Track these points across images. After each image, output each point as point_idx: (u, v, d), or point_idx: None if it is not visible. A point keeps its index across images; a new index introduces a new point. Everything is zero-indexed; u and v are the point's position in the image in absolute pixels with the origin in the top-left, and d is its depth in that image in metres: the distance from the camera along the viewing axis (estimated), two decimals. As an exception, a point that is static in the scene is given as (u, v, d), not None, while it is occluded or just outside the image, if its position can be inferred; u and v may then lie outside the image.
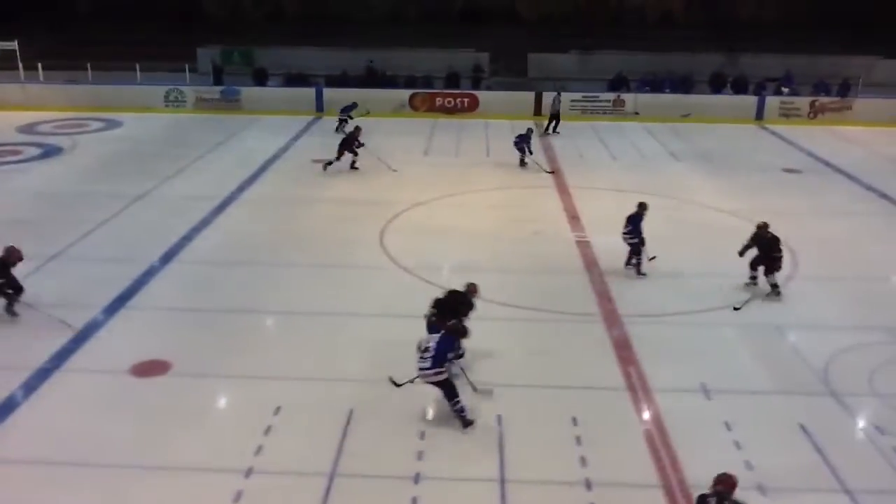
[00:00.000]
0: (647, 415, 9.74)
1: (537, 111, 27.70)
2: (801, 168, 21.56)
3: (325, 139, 24.49)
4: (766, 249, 12.91)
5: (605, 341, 11.49)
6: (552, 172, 20.42)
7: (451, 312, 9.93)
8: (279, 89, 29.27)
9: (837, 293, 13.41)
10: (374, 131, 25.06)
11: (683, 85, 29.30)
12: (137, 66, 28.46)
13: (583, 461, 8.76)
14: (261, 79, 29.94)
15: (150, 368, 10.47)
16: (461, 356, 9.99)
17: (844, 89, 28.35)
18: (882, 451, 9.09)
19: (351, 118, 24.38)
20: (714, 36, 31.47)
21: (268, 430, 9.18)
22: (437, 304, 10.28)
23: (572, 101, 27.79)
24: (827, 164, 22.13)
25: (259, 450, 8.82)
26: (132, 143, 23.25)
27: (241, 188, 18.83)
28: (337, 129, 24.28)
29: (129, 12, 33.17)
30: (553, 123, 25.48)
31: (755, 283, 13.23)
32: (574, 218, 16.96)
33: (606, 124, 26.16)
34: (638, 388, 10.26)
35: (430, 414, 9.68)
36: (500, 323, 11.97)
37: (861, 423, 9.81)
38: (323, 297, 12.86)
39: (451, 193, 18.64)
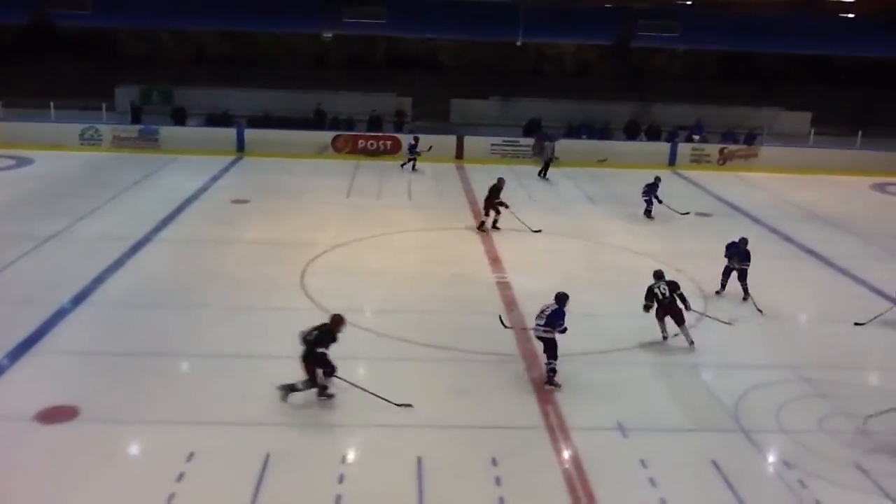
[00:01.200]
0: (565, 454, 9.84)
1: (459, 155, 28.11)
2: (711, 212, 22.37)
3: (246, 179, 24.34)
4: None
5: (524, 381, 11.61)
6: (687, 213, 20.91)
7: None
8: (199, 129, 28.90)
9: (747, 333, 13.90)
10: (296, 172, 25.10)
11: (600, 132, 30.20)
12: (52, 104, 27.72)
13: (501, 502, 8.77)
14: (179, 118, 29.52)
15: (56, 415, 10.04)
16: (564, 330, 11.47)
17: (751, 138, 29.75)
18: (789, 486, 9.39)
19: (418, 154, 25.53)
20: (629, 85, 32.61)
21: (180, 478, 8.90)
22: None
23: (493, 145, 28.32)
24: (735, 208, 23.03)
25: (171, 498, 8.54)
26: (44, 182, 22.53)
27: (158, 228, 18.43)
28: (413, 167, 25.44)
29: (45, 48, 32.34)
30: (545, 170, 26.05)
31: None
32: (495, 259, 17.17)
33: (526, 168, 26.67)
34: (556, 427, 10.37)
35: (350, 457, 9.57)
36: (421, 364, 12.02)
37: (770, 459, 10.13)
38: (240, 340, 12.61)
39: (372, 235, 18.66)
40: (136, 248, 16.89)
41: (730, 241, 15.53)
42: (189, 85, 30.77)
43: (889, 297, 15.29)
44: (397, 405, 10.52)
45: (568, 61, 36.03)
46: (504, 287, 15.45)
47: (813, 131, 30.10)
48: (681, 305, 12.91)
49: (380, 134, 28.86)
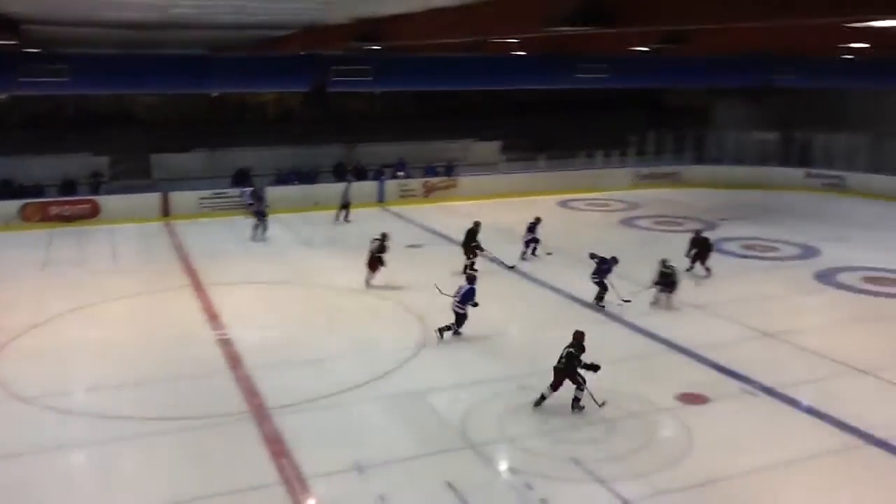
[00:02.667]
0: (306, 504, 9.78)
1: (165, 212, 26.95)
2: (422, 242, 23.43)
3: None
4: (702, 247, 19.66)
5: (257, 438, 11.35)
6: (550, 254, 21.52)
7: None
8: None
9: (465, 352, 14.71)
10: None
11: (309, 176, 30.57)
12: None
13: (245, 567, 8.51)
14: None
15: None
16: (476, 305, 15.01)
17: (449, 170, 31.78)
18: (518, 491, 10.09)
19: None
20: (332, 129, 33.41)
21: None
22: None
23: (201, 198, 27.53)
24: (443, 236, 24.33)
25: None
26: None
27: None
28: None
29: None
30: (344, 212, 26.21)
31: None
32: (213, 316, 16.63)
33: (238, 219, 26.23)
34: (293, 479, 10.25)
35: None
36: (145, 439, 11.32)
37: (498, 469, 10.81)
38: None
39: (78, 307, 17.21)
40: None
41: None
42: None
43: (581, 300, 17.18)
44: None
45: (270, 109, 36.07)
46: (226, 344, 15.01)
47: (504, 158, 32.80)
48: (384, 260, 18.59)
49: (75, 198, 26.84)
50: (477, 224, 20.77)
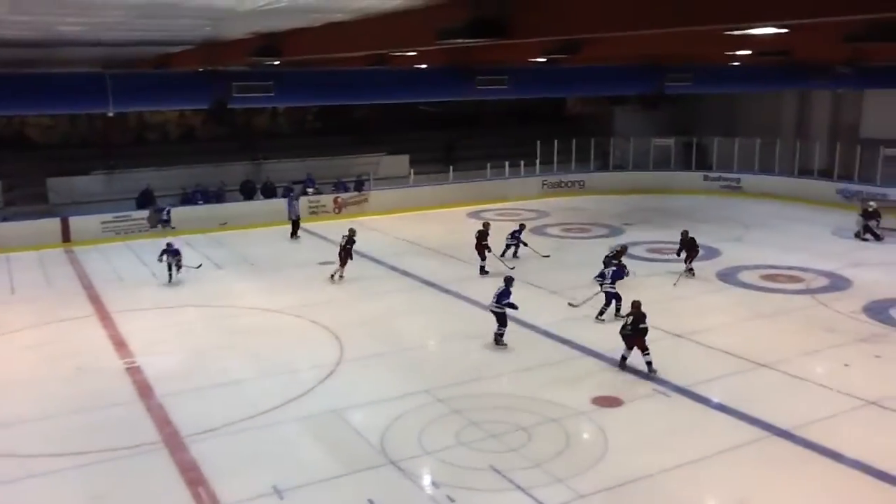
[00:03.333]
0: (224, 533, 9.54)
1: (65, 238, 25.91)
2: (335, 259, 23.18)
3: None
4: (689, 246, 20.29)
5: (171, 467, 11.03)
6: (548, 256, 22.65)
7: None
8: None
9: (382, 368, 14.67)
10: None
11: (216, 195, 29.90)
12: None
13: None
14: None
15: None
16: (513, 307, 15.35)
17: (360, 185, 31.65)
18: (438, 502, 10.08)
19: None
20: (238, 147, 32.83)
21: None
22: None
23: (103, 222, 26.60)
24: (356, 252, 24.10)
25: None
26: None
27: None
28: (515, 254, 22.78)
29: None
30: (295, 229, 26.54)
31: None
32: (120, 344, 16.05)
33: (143, 242, 25.44)
34: (210, 508, 10.01)
35: None
36: (49, 478, 10.84)
37: (419, 483, 10.78)
38: None
39: (-29, 343, 16.39)
40: None
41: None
42: None
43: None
44: None
45: (172, 128, 35.18)
46: (135, 372, 14.51)
47: (412, 172, 32.87)
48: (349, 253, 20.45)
49: (-34, 227, 25.51)
50: (486, 225, 21.64)
